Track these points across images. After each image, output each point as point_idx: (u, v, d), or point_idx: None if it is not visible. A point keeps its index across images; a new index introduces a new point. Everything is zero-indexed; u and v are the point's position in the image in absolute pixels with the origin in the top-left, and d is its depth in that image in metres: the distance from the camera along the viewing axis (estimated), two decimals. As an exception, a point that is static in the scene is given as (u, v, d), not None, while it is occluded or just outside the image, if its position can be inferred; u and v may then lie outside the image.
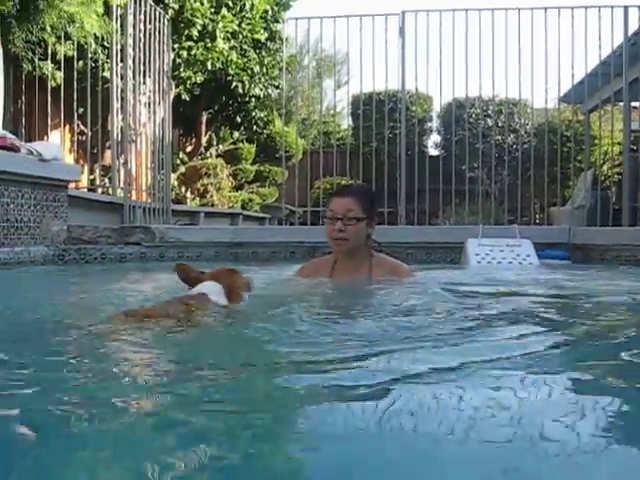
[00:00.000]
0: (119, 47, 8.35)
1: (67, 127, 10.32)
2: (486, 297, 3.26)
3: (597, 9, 8.92)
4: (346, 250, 3.66)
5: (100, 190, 9.59)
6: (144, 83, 8.80)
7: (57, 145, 7.06)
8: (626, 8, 9.07)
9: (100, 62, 9.25)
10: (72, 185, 6.96)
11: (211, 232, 7.34)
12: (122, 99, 8.38)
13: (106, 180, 10.22)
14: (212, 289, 2.54)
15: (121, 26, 8.28)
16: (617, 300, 3.30)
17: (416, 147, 9.78)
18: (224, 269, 2.79)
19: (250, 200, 15.72)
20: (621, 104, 10.95)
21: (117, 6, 8.05)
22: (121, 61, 8.38)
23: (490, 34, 9.04)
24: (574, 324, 2.46)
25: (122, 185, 8.40)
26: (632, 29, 9.38)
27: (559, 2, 9.18)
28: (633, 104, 10.97)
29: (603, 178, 12.46)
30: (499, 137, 13.86)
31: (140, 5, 8.47)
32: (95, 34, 8.12)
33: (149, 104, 8.96)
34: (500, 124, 15.42)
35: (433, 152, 18.31)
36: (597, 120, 14.55)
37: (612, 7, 8.99)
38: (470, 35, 9.08)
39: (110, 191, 8.68)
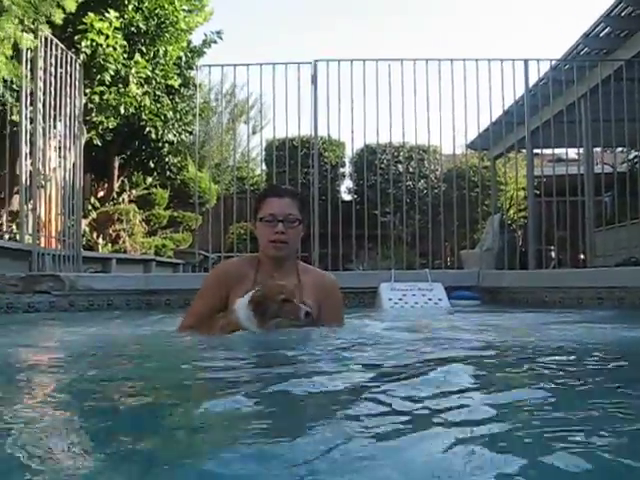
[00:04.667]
0: (29, 90, 8.19)
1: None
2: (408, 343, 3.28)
3: (500, 62, 9.34)
4: (286, 254, 3.45)
5: (7, 237, 9.31)
6: (54, 127, 8.64)
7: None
8: (526, 61, 9.55)
9: (8, 105, 9.04)
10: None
11: (123, 280, 7.22)
12: (31, 143, 8.19)
13: (13, 226, 9.93)
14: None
15: (31, 70, 8.13)
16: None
17: (329, 192, 9.90)
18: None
19: (164, 246, 15.56)
20: (524, 151, 11.46)
21: (27, 49, 7.92)
22: (31, 105, 8.21)
23: (400, 83, 9.32)
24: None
25: (30, 231, 8.17)
26: (532, 81, 9.88)
27: (465, 54, 9.57)
28: (535, 151, 11.46)
29: (510, 222, 12.90)
30: (410, 182, 14.22)
31: (51, 49, 8.36)
32: (3, 77, 7.95)
33: (59, 149, 8.79)
34: (411, 170, 15.85)
35: (346, 197, 18.63)
36: (503, 166, 15.16)
37: (513, 60, 9.44)
38: (380, 84, 9.34)
39: (18, 237, 8.42)
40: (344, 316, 3.74)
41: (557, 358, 2.66)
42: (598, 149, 12.15)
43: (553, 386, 1.99)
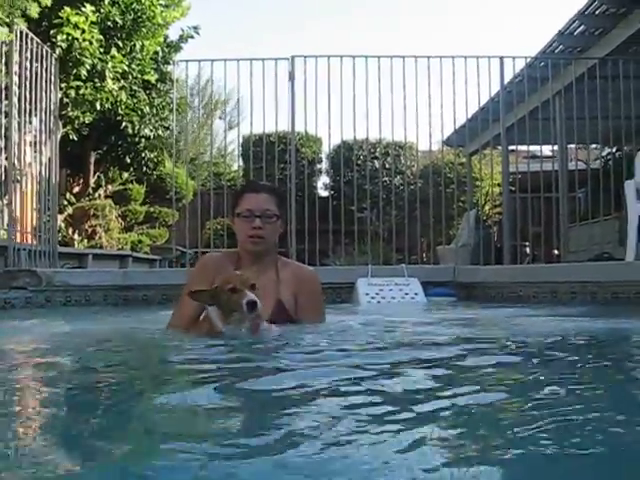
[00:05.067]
0: (3, 85, 8.13)
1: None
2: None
3: (475, 59, 9.42)
4: (264, 249, 3.43)
5: (-19, 232, 9.23)
6: (30, 122, 8.59)
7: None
8: (502, 58, 9.64)
9: (-17, 100, 8.95)
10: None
11: (100, 275, 7.20)
12: (6, 138, 8.14)
13: (-12, 222, 9.85)
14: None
15: (6, 64, 8.08)
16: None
17: (306, 188, 9.92)
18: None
19: (140, 242, 15.48)
20: (500, 148, 11.56)
21: (2, 42, 7.86)
22: (6, 99, 8.15)
23: (376, 79, 9.37)
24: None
25: (6, 227, 8.11)
26: (508, 78, 9.97)
27: (441, 52, 9.64)
28: (510, 148, 11.57)
29: (485, 217, 13.01)
30: (386, 178, 14.27)
31: (26, 43, 8.29)
32: (-23, 71, 7.89)
33: (35, 143, 8.74)
34: (387, 166, 15.92)
35: (323, 193, 18.67)
36: (478, 163, 15.30)
37: (489, 57, 9.52)
38: (357, 80, 9.38)
39: (-7, 233, 8.37)
40: (324, 310, 3.71)
41: (529, 350, 2.73)
42: (572, 146, 12.32)
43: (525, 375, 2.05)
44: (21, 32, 8.20)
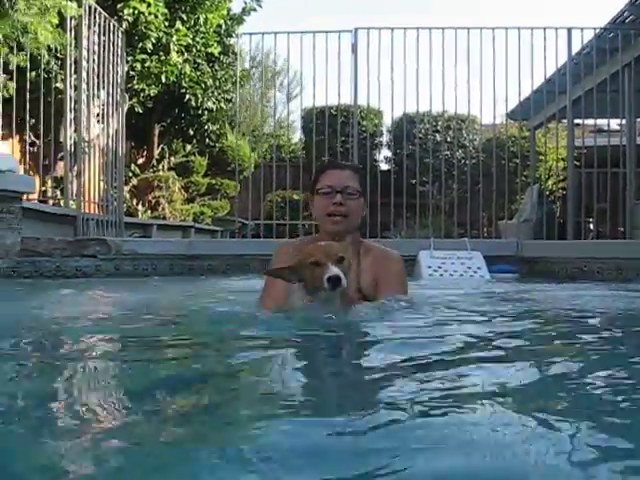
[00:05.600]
0: (73, 59, 8.32)
1: (17, 138, 10.20)
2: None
3: (542, 30, 9.23)
4: (344, 229, 3.06)
5: (51, 202, 9.51)
6: (98, 95, 8.77)
7: (12, 156, 7.01)
8: (569, 30, 9.42)
9: (53, 73, 9.19)
10: (24, 196, 6.90)
11: (166, 245, 7.37)
12: (75, 110, 8.34)
13: (57, 192, 10.13)
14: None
15: (75, 38, 8.25)
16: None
17: (368, 161, 9.91)
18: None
19: (202, 213, 15.71)
20: (565, 121, 11.32)
21: (71, 17, 8.03)
22: (75, 73, 8.34)
23: (440, 52, 9.28)
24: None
25: (75, 197, 8.34)
26: (575, 49, 9.74)
27: (507, 23, 9.47)
28: (576, 121, 11.32)
29: (548, 193, 12.79)
30: (448, 152, 14.13)
31: (94, 17, 8.46)
32: (49, 45, 8.07)
33: (102, 116, 8.93)
34: (449, 139, 15.74)
35: (384, 167, 18.58)
36: (542, 137, 15.00)
37: (556, 29, 9.32)
38: (421, 52, 9.31)
39: (62, 203, 8.60)
40: (407, 291, 3.29)
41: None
42: (641, 120, 11.98)
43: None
44: (89, 7, 8.36)
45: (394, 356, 1.96)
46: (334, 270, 2.43)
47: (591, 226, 12.30)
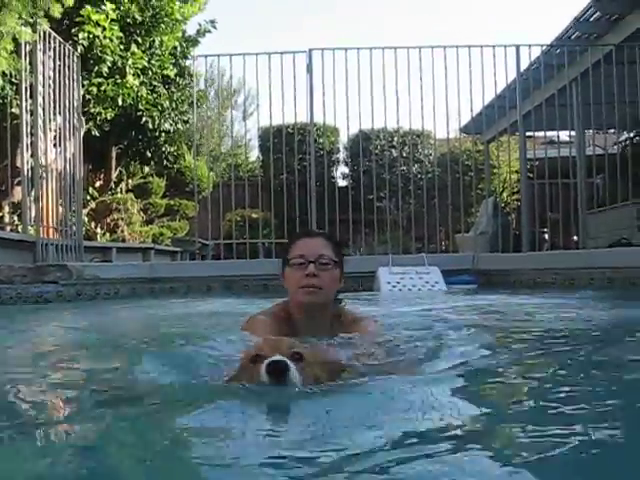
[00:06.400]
0: (28, 83, 8.30)
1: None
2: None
3: (492, 48, 9.50)
4: (318, 301, 2.88)
5: (9, 228, 9.44)
6: (54, 119, 8.76)
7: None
8: (518, 47, 9.71)
9: (8, 98, 9.15)
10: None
11: (127, 268, 7.39)
12: (32, 135, 8.31)
13: (15, 217, 10.06)
14: None
15: (30, 63, 8.24)
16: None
17: (325, 178, 10.03)
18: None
19: (161, 234, 15.69)
20: (517, 134, 11.61)
21: (26, 42, 8.02)
22: (30, 97, 8.32)
23: (394, 70, 9.47)
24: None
25: (33, 222, 8.30)
26: (524, 65, 10.03)
27: (457, 41, 9.71)
28: (528, 134, 11.61)
29: (503, 205, 13.06)
30: (404, 167, 14.35)
31: (49, 42, 8.46)
32: (3, 71, 8.05)
33: (59, 140, 8.90)
34: (405, 155, 15.98)
35: (341, 183, 18.75)
36: (496, 150, 15.33)
37: (505, 46, 9.60)
38: (375, 71, 9.49)
39: (19, 229, 8.54)
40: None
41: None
42: (590, 131, 12.32)
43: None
44: (44, 32, 8.36)
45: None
46: (276, 356, 1.88)
47: (546, 236, 12.60)
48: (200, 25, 13.60)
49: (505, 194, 14.20)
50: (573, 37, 10.92)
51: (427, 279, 6.37)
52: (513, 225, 11.51)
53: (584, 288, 6.06)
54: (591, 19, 10.44)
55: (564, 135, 13.26)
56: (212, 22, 13.53)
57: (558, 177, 10.23)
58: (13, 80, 9.08)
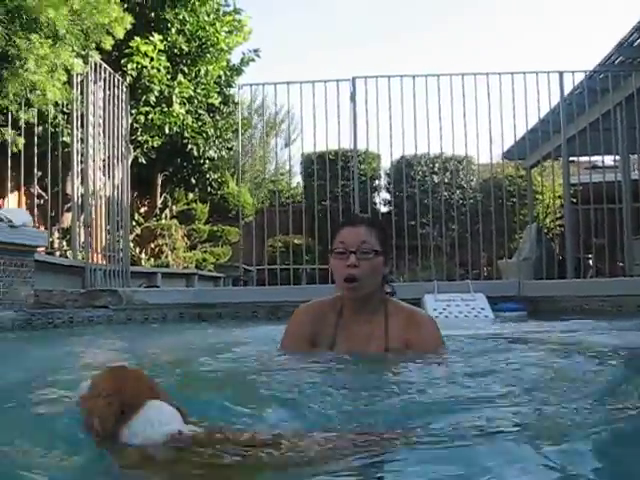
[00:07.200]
0: (79, 113, 8.54)
1: (22, 190, 10.38)
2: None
3: (535, 74, 9.50)
4: (360, 295, 2.89)
5: (58, 253, 9.65)
6: (103, 147, 8.98)
7: (26, 211, 7.19)
8: (561, 73, 9.69)
9: (60, 127, 9.41)
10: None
11: (175, 294, 7.51)
12: (82, 163, 8.53)
13: (64, 243, 10.29)
14: None
15: (81, 93, 8.48)
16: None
17: (368, 204, 10.09)
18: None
19: (204, 260, 15.84)
20: (560, 159, 11.54)
21: (77, 73, 8.27)
22: (81, 126, 8.56)
23: (437, 97, 9.52)
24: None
25: (82, 248, 8.48)
26: (567, 90, 10.00)
27: (500, 68, 9.72)
28: (571, 158, 11.55)
29: (546, 230, 12.96)
30: (446, 193, 14.33)
31: (100, 73, 8.71)
32: (56, 101, 8.30)
33: (108, 167, 9.12)
34: (447, 180, 15.96)
35: (383, 209, 18.77)
36: (539, 175, 15.25)
37: (548, 72, 9.59)
38: (418, 98, 9.54)
39: (68, 254, 8.74)
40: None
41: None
42: (635, 156, 12.21)
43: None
44: (95, 63, 8.62)
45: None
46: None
47: (590, 262, 12.44)
48: (244, 54, 13.90)
49: (548, 220, 14.08)
50: (617, 62, 10.86)
51: (473, 305, 6.36)
52: (557, 251, 11.40)
53: (633, 315, 6.00)
54: (635, 44, 10.39)
55: (609, 160, 13.16)
56: (256, 51, 13.81)
57: (603, 202, 10.14)
58: (65, 110, 9.35)
